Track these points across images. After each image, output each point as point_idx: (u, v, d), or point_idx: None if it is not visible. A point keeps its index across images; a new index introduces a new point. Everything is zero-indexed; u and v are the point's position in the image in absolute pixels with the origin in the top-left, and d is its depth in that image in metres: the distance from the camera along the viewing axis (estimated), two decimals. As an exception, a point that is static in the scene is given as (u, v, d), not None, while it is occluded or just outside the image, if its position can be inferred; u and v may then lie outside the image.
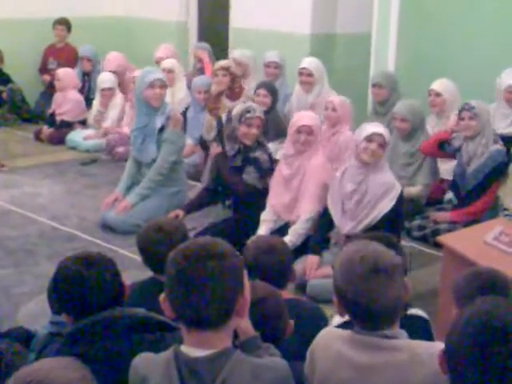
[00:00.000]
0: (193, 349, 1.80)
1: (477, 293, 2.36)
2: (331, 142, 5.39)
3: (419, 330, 2.62)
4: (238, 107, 5.00)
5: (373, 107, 6.35)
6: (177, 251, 1.85)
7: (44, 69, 8.50)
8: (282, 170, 4.73)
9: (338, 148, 5.34)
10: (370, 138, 4.17)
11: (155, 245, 2.96)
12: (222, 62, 6.55)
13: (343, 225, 4.27)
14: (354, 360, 2.05)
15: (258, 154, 4.85)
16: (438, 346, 2.02)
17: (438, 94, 5.85)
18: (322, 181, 4.56)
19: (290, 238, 4.35)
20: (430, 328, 2.78)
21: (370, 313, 2.03)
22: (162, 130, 5.22)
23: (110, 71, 7.53)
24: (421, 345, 2.08)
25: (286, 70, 6.91)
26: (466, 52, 6.32)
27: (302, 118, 4.77)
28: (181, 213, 4.94)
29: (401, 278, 2.08)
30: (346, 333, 2.12)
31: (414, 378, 1.99)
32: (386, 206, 4.16)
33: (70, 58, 8.33)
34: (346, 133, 5.54)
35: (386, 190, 4.19)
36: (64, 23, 8.44)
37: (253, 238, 4.15)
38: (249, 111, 4.82)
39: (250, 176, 4.84)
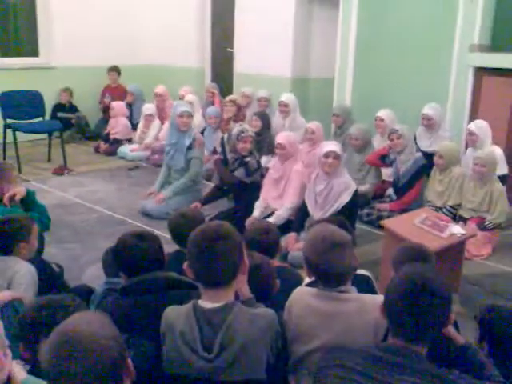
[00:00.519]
0: (207, 302, 1.81)
1: (408, 261, 2.37)
2: (310, 154, 5.36)
3: (365, 284, 2.64)
4: (235, 129, 5.01)
5: (334, 130, 6.35)
6: (196, 232, 1.86)
7: (102, 102, 8.47)
8: (271, 174, 4.74)
9: (314, 159, 5.31)
10: (327, 155, 4.16)
11: (181, 227, 2.95)
12: (230, 96, 6.55)
13: (315, 213, 4.27)
14: (319, 309, 2.06)
15: (249, 159, 4.86)
16: (380, 298, 2.05)
17: (381, 120, 5.87)
18: (301, 182, 4.57)
19: (274, 220, 4.37)
20: (372, 283, 2.79)
21: (329, 275, 2.06)
22: (189, 147, 5.21)
23: (158, 93, 7.51)
24: (367, 297, 2.10)
25: (273, 103, 6.86)
26: (401, 91, 6.33)
27: (278, 137, 4.76)
28: (199, 204, 4.94)
29: (351, 250, 2.11)
30: (314, 289, 2.14)
31: (362, 321, 2.02)
32: (345, 198, 4.15)
33: (120, 94, 8.31)
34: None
35: (344, 187, 4.18)
36: (115, 70, 8.43)
37: (251, 221, 4.19)
38: (243, 132, 4.84)
39: (239, 173, 4.86)
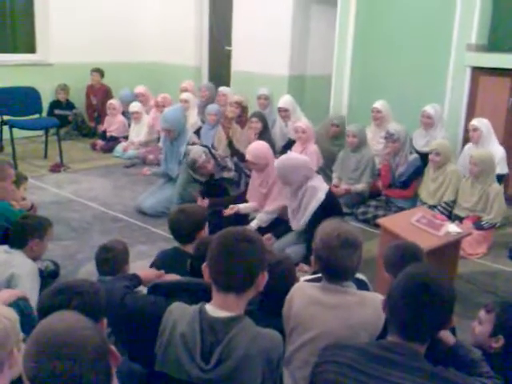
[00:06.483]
0: (215, 309, 1.75)
1: (400, 259, 2.39)
2: (302, 154, 5.34)
3: (360, 288, 2.64)
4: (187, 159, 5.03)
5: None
6: (220, 233, 1.82)
7: (89, 103, 8.38)
8: (253, 184, 4.68)
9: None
10: None
11: (180, 222, 2.91)
12: (236, 98, 6.50)
13: (293, 224, 4.19)
14: (321, 300, 2.12)
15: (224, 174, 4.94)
16: (379, 296, 2.12)
17: (379, 111, 5.97)
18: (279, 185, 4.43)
19: (256, 222, 4.40)
20: (368, 287, 2.78)
21: (335, 271, 2.13)
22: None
23: (140, 93, 7.56)
24: (367, 293, 2.20)
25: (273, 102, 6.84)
26: (399, 90, 6.33)
27: (247, 153, 4.57)
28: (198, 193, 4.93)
29: (360, 251, 2.15)
30: (316, 283, 2.20)
31: (361, 313, 2.07)
32: (314, 205, 3.96)
33: (104, 94, 8.19)
34: (312, 146, 5.55)
35: (312, 194, 4.00)
36: (98, 71, 8.19)
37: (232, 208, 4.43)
38: (192, 162, 4.92)
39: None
